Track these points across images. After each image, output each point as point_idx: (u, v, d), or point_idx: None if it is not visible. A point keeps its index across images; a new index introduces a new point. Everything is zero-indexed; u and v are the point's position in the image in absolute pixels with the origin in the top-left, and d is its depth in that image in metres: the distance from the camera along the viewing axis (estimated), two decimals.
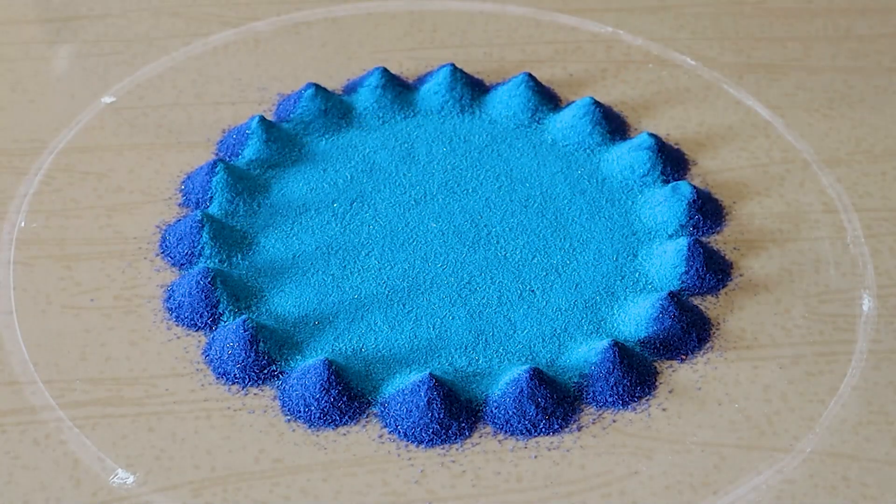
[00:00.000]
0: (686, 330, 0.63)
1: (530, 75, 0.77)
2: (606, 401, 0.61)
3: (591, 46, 0.82)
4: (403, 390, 0.60)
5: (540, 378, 0.60)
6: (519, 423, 0.59)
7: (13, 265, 0.67)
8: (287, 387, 0.61)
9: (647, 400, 0.61)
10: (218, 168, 0.70)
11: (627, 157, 0.72)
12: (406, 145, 0.74)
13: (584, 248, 0.68)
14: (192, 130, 0.76)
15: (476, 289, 0.65)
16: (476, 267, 0.67)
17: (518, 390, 0.59)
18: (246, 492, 0.57)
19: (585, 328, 0.64)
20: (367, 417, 0.60)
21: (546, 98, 0.77)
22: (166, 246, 0.68)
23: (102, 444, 0.58)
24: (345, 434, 0.59)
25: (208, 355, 0.62)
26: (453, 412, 0.59)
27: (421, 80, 0.79)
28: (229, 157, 0.73)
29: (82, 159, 0.74)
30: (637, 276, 0.67)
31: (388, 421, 0.59)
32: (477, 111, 0.77)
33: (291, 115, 0.76)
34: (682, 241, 0.67)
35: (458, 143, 0.74)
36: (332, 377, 0.59)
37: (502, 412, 0.60)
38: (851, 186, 0.73)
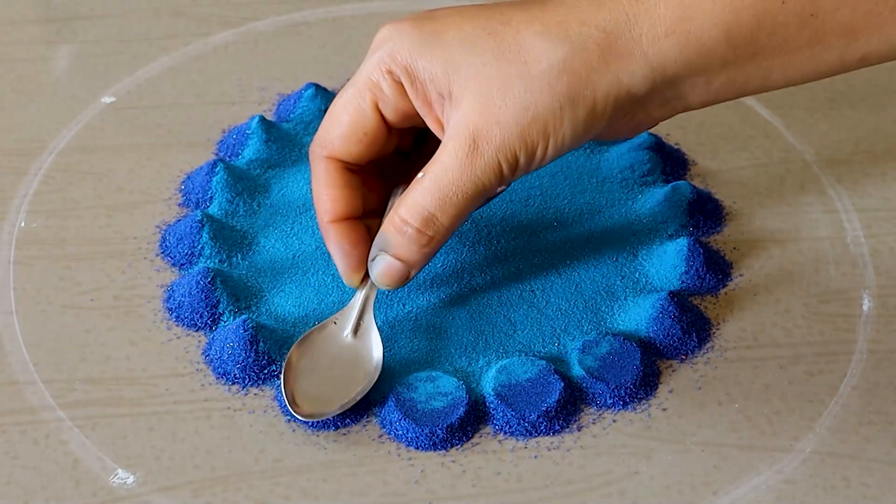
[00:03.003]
0: (686, 330, 0.63)
1: None
2: (606, 401, 0.61)
3: None
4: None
5: None
6: (519, 423, 0.59)
7: (13, 265, 0.67)
8: None
9: (647, 400, 0.61)
10: (218, 168, 0.70)
11: (627, 157, 0.72)
12: None
13: (584, 248, 0.68)
14: (192, 130, 0.76)
15: (476, 289, 0.65)
16: (476, 267, 0.67)
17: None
18: (246, 492, 0.57)
19: (585, 328, 0.64)
20: (367, 417, 0.60)
21: None
22: (166, 246, 0.68)
23: (102, 444, 0.58)
24: (345, 434, 0.59)
25: (208, 355, 0.62)
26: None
27: None
28: (229, 157, 0.73)
29: (82, 159, 0.74)
30: (637, 276, 0.66)
31: (384, 422, 0.59)
32: None
33: (291, 115, 0.76)
34: (682, 241, 0.67)
35: None
36: None
37: (502, 412, 0.59)
38: (851, 186, 0.73)
